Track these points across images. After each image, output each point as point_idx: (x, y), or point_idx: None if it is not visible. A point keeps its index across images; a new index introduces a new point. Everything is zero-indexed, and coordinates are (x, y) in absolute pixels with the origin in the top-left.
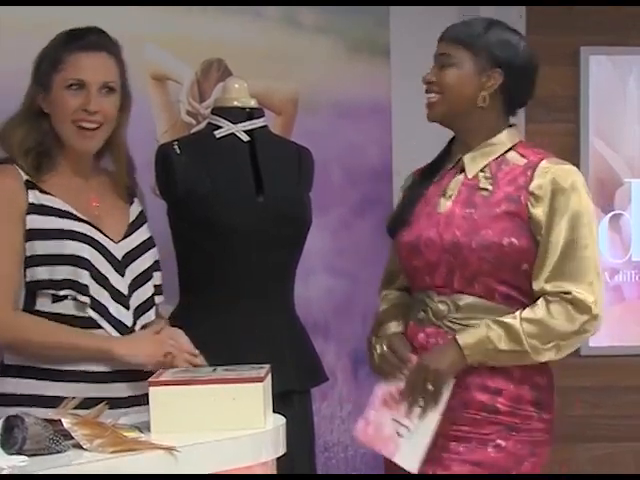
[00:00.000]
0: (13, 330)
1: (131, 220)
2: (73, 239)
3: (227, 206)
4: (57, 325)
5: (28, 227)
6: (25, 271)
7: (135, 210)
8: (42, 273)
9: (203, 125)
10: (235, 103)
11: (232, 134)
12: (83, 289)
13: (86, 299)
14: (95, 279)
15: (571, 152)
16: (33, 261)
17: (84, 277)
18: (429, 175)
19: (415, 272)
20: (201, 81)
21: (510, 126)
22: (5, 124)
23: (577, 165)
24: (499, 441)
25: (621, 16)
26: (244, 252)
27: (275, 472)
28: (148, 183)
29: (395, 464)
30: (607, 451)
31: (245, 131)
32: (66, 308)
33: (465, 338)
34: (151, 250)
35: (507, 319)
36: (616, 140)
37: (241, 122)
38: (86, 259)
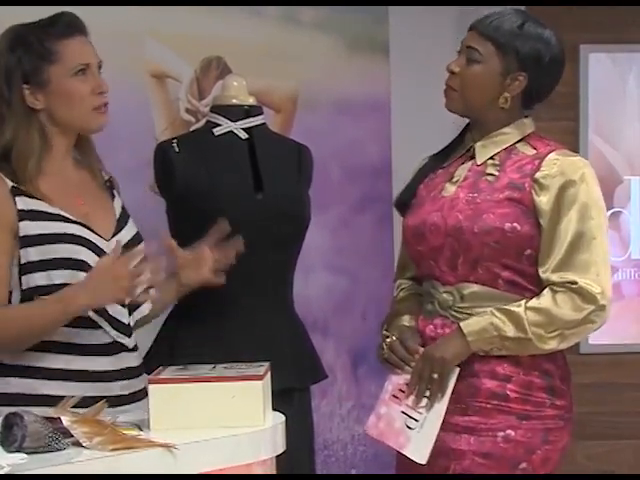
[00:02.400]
0: None
1: (117, 216)
2: (67, 242)
3: (226, 203)
4: (12, 307)
5: (21, 234)
6: (21, 279)
7: (118, 205)
8: (39, 279)
9: (202, 123)
10: (234, 101)
11: (230, 132)
12: None
13: None
14: None
15: (571, 150)
16: (29, 268)
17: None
18: (440, 159)
19: (420, 257)
20: (200, 79)
21: (526, 117)
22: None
23: None
24: (509, 431)
25: (621, 14)
26: (243, 250)
27: (274, 470)
28: (147, 181)
29: (407, 458)
30: (607, 448)
31: (244, 129)
32: None
33: (469, 325)
34: (140, 245)
35: (511, 307)
36: (616, 138)
37: (239, 120)
38: (83, 261)
